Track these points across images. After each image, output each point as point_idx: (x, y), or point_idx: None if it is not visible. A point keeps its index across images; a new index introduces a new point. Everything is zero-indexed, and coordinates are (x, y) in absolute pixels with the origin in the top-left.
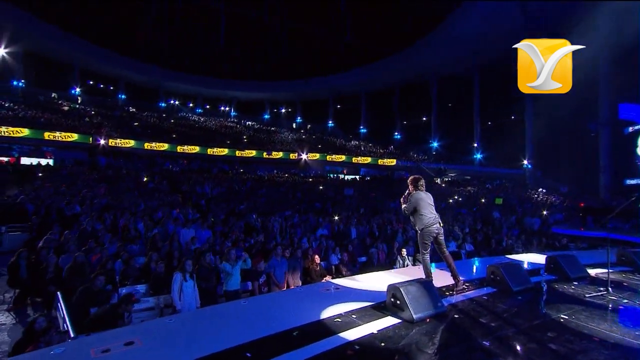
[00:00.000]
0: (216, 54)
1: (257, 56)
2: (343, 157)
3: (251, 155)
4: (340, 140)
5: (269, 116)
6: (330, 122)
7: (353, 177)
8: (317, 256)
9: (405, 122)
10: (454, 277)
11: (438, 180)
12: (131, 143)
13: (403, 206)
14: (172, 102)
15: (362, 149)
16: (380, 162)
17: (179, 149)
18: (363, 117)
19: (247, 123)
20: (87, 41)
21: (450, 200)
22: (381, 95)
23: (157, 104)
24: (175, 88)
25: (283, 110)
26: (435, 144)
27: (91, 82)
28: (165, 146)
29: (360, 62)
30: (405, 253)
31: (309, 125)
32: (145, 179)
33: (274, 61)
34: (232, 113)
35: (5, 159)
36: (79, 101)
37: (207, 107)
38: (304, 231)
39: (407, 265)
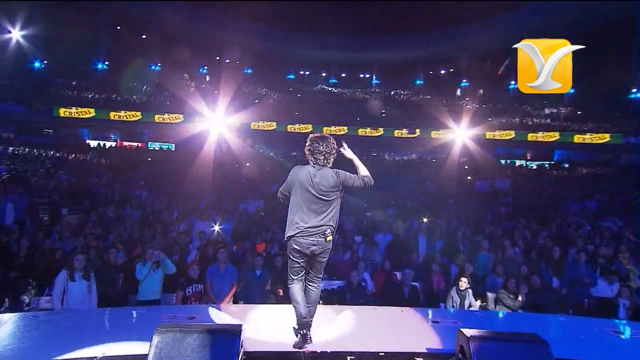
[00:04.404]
0: (352, 8)
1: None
2: (512, 134)
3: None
4: (527, 107)
5: (422, 81)
6: (513, 82)
7: (540, 163)
8: None
9: None
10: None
11: None
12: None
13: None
14: (301, 72)
15: (563, 121)
16: (598, 138)
17: (289, 128)
18: (573, 71)
19: (391, 92)
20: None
21: None
22: (602, 32)
23: (286, 76)
24: (304, 55)
25: (443, 72)
26: None
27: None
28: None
29: None
30: (466, 285)
31: (481, 91)
32: None
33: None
34: (374, 80)
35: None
36: (207, 80)
37: (343, 75)
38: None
39: (469, 306)
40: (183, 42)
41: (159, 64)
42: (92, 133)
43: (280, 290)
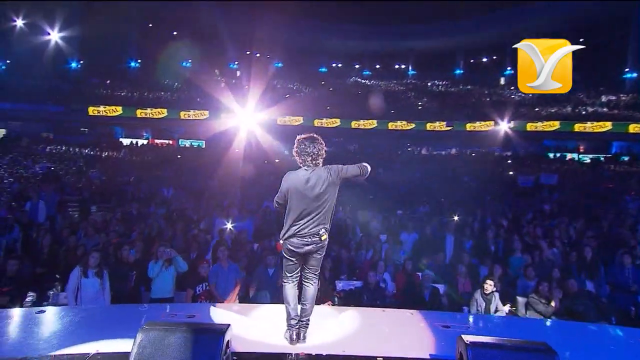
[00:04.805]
0: None
1: None
2: (556, 124)
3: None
4: (581, 96)
5: (462, 70)
6: None
7: (595, 156)
8: None
9: None
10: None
11: None
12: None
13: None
14: (334, 65)
15: (623, 109)
16: None
17: (316, 122)
18: (633, 53)
19: (428, 83)
20: None
21: None
22: None
23: (318, 69)
24: (337, 47)
25: (485, 60)
26: None
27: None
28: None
29: None
30: (492, 288)
31: None
32: None
33: None
34: (410, 71)
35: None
36: (237, 75)
37: (377, 66)
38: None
39: (495, 311)
40: (214, 37)
41: (190, 61)
42: (125, 131)
43: None
